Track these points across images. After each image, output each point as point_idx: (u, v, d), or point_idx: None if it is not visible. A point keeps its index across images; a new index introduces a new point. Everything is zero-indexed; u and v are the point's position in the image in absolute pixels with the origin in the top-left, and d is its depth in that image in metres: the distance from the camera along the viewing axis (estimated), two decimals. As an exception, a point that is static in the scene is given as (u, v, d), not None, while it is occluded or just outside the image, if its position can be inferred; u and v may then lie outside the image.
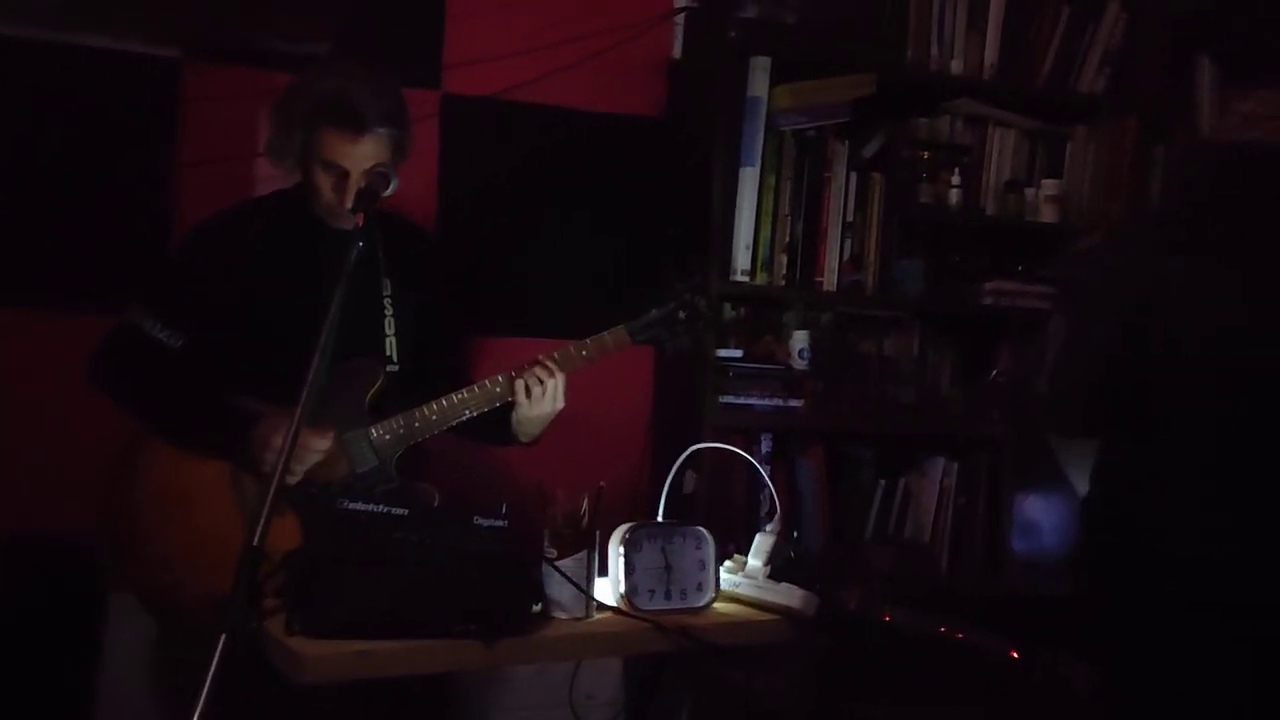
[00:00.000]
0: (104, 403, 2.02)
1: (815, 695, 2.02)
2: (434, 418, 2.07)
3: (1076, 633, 1.87)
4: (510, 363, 2.11)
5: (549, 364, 2.09)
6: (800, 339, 2.72)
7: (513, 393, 2.07)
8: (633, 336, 2.14)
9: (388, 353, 2.13)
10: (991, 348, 2.90)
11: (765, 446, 2.70)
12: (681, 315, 2.16)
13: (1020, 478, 2.86)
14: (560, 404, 2.11)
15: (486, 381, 2.09)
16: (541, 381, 2.07)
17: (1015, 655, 1.83)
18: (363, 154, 2.00)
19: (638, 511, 2.09)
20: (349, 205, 1.99)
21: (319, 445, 1.96)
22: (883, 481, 2.82)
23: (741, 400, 2.64)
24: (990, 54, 2.88)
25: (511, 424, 2.13)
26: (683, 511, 2.42)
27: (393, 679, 1.73)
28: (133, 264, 2.28)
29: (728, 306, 2.73)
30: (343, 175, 2.01)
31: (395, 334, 2.15)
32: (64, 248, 2.37)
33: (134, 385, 2.02)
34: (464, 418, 2.08)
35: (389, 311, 2.15)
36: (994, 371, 2.87)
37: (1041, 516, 2.85)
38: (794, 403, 2.70)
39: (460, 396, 2.08)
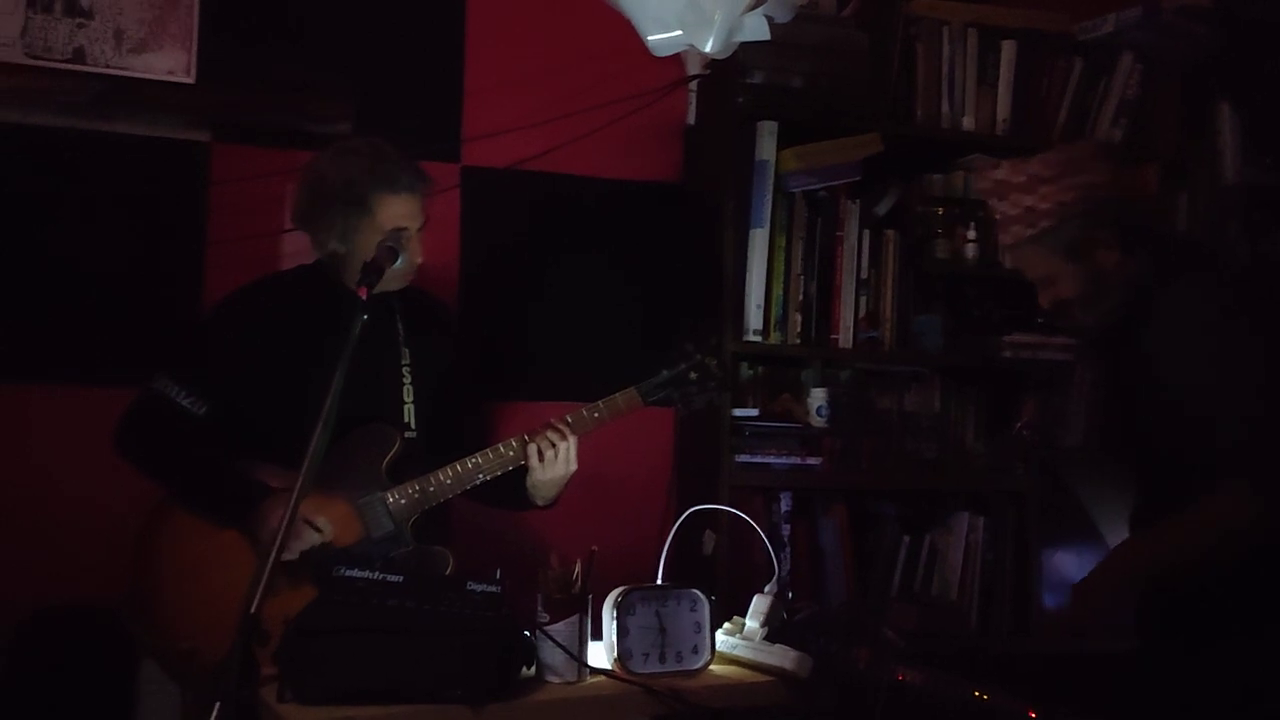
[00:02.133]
0: (133, 472, 2.08)
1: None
2: (449, 482, 2.10)
3: (1118, 689, 1.84)
4: (531, 427, 2.14)
5: (561, 427, 2.12)
6: (818, 396, 2.73)
7: (526, 456, 2.11)
8: (644, 397, 2.17)
9: (406, 419, 2.18)
10: (1014, 401, 2.87)
11: (785, 505, 2.69)
12: (693, 375, 2.18)
13: (1048, 532, 2.82)
14: (573, 466, 2.13)
15: (500, 445, 2.12)
16: (554, 444, 2.10)
17: (1033, 715, 1.80)
18: (417, 211, 2.13)
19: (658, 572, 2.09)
20: (418, 259, 2.12)
21: (320, 524, 2.00)
22: (907, 538, 2.79)
23: (759, 459, 2.64)
24: (1002, 109, 2.90)
25: (527, 487, 2.16)
26: (701, 573, 2.42)
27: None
28: (162, 339, 2.35)
29: (744, 365, 2.75)
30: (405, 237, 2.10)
31: (413, 401, 2.20)
32: (96, 325, 2.45)
33: (155, 451, 2.08)
34: (478, 481, 2.11)
35: (407, 380, 2.20)
36: (1018, 424, 2.84)
37: (1072, 572, 2.80)
38: (813, 460, 2.69)
39: (474, 461, 2.11)
